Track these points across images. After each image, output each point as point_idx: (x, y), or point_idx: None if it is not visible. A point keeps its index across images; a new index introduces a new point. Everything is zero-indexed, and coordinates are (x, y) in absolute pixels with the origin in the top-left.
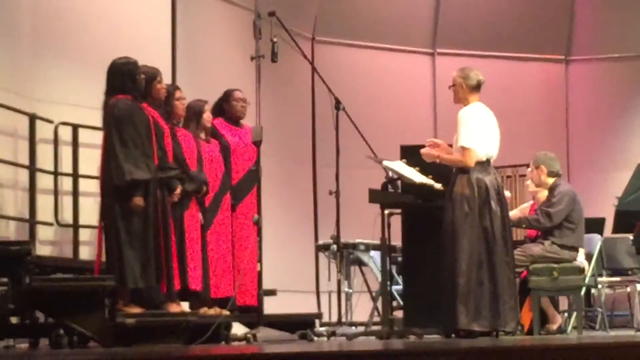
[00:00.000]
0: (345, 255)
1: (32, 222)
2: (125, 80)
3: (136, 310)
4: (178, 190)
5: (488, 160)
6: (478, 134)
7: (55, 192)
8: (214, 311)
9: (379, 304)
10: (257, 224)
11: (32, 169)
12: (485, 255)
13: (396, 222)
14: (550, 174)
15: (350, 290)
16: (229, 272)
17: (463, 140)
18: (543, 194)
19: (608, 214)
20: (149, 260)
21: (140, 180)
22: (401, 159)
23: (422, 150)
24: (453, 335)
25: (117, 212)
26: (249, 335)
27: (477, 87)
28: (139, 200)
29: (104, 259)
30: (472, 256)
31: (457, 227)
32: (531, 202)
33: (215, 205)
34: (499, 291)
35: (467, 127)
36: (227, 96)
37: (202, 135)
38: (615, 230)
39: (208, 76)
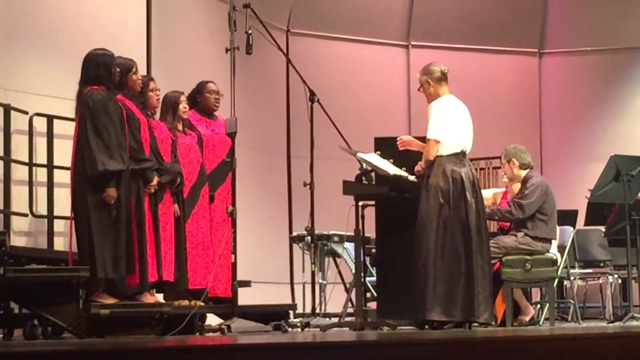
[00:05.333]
0: (320, 247)
1: (6, 212)
2: (101, 71)
3: (110, 301)
4: (154, 182)
5: (463, 152)
6: (446, 126)
7: (30, 183)
8: (188, 302)
9: (353, 296)
10: (232, 215)
11: (7, 159)
12: (460, 247)
13: (370, 214)
14: (522, 166)
15: (324, 282)
16: (207, 263)
17: (429, 132)
18: (516, 186)
19: (580, 206)
20: (121, 252)
21: (113, 171)
22: (375, 151)
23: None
24: (426, 326)
25: (88, 203)
26: (223, 327)
27: (443, 78)
28: (112, 192)
29: (76, 250)
30: (445, 247)
31: (430, 218)
32: (504, 188)
33: (193, 197)
34: (473, 282)
35: (434, 119)
36: (201, 88)
37: (179, 127)
38: (588, 222)
39: (183, 68)
